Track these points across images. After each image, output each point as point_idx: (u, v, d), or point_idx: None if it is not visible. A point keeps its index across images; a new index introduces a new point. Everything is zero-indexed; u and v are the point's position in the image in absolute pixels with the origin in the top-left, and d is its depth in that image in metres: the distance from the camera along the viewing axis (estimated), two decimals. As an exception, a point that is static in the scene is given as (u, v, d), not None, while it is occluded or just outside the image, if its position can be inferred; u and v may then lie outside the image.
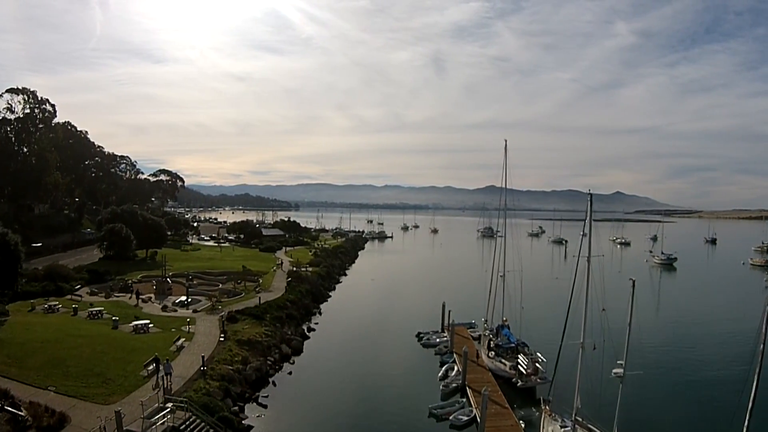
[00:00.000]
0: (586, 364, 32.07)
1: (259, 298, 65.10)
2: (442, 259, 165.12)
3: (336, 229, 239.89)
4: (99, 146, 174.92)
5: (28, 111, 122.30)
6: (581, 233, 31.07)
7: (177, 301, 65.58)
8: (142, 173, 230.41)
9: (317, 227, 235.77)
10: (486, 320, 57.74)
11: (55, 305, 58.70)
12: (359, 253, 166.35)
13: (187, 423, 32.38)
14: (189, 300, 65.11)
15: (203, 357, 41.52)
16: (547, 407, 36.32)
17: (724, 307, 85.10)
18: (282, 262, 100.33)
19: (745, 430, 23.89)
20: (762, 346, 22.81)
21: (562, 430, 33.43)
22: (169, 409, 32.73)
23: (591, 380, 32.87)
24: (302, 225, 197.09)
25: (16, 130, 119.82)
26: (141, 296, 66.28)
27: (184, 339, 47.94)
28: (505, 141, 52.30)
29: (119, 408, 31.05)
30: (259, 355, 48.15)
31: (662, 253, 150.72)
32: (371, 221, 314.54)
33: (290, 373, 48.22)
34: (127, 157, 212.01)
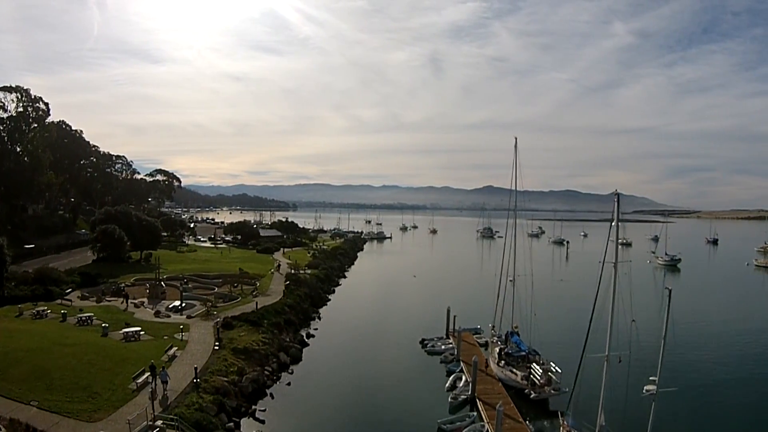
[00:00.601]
0: (611, 378, 29.60)
1: (256, 303, 62.39)
2: (443, 260, 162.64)
3: (334, 229, 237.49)
4: (94, 146, 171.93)
5: (21, 110, 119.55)
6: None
7: (171, 306, 62.97)
8: (139, 173, 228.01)
9: (315, 228, 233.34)
10: (493, 326, 55.29)
11: (43, 310, 56.14)
12: (358, 254, 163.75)
13: (178, 443, 29.93)
14: (183, 305, 62.49)
15: (196, 368, 38.91)
16: (565, 422, 33.88)
17: (744, 313, 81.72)
18: (279, 265, 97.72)
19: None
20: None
21: None
22: (158, 429, 30.22)
23: (616, 396, 30.39)
24: (300, 226, 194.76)
25: (8, 129, 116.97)
26: (133, 301, 63.77)
27: (176, 348, 45.35)
28: (515, 139, 49.96)
29: (104, 428, 28.60)
30: (255, 364, 45.59)
31: (666, 254, 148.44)
32: (369, 221, 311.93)
33: (289, 384, 45.53)
34: (123, 156, 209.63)
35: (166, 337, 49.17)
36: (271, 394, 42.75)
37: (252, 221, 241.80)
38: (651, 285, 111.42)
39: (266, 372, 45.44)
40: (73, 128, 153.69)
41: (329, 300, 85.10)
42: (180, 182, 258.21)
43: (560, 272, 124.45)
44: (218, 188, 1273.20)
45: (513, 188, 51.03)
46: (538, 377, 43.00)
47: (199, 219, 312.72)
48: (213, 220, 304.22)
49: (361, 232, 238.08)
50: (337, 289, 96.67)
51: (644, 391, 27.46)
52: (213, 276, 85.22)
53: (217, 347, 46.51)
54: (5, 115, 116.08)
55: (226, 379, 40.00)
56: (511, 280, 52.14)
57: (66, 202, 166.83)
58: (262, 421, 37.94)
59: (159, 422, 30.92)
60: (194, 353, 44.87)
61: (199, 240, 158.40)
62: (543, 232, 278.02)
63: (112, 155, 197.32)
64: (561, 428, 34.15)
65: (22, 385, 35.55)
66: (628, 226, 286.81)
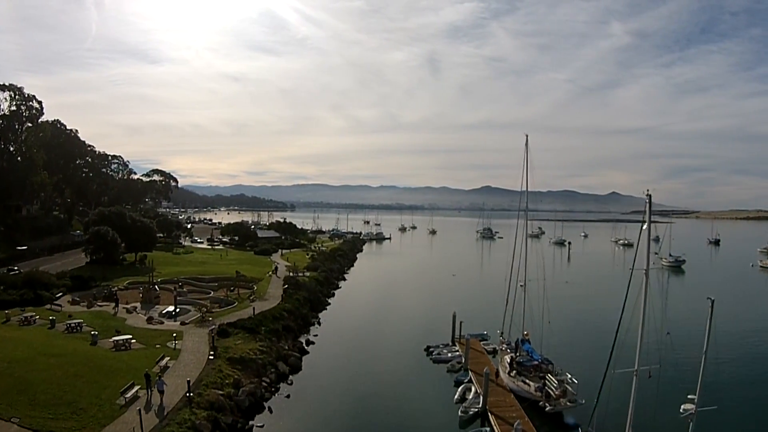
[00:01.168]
0: (641, 394, 27.15)
1: (254, 308, 59.82)
2: (444, 261, 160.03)
3: (333, 230, 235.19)
4: (90, 145, 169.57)
5: (14, 108, 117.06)
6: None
7: (164, 311, 60.38)
8: (135, 173, 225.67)
9: (314, 228, 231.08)
10: (502, 332, 52.76)
11: (31, 316, 53.55)
12: (357, 255, 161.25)
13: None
14: (177, 310, 59.95)
15: (189, 381, 36.33)
16: (589, 440, 31.44)
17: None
18: (277, 268, 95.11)
19: None
20: None
21: None
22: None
23: (647, 414, 27.96)
24: (298, 226, 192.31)
25: (1, 128, 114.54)
26: (125, 306, 61.27)
27: (169, 358, 42.81)
28: (526, 136, 47.39)
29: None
30: (252, 375, 43.07)
31: (670, 255, 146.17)
32: (368, 222, 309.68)
33: (288, 396, 42.83)
34: (120, 156, 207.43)
35: (158, 346, 46.63)
36: (270, 408, 40.11)
37: (250, 222, 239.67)
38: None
39: (264, 383, 42.87)
40: (68, 128, 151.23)
41: (329, 304, 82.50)
42: (177, 182, 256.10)
43: (564, 274, 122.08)
44: (216, 188, 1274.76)
45: (523, 189, 48.48)
46: (554, 388, 40.51)
47: (197, 219, 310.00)
48: (210, 220, 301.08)
49: (360, 233, 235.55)
50: (336, 292, 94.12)
51: (681, 411, 24.99)
52: (209, 279, 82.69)
53: (211, 357, 44.00)
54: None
55: (221, 392, 37.48)
56: (521, 285, 49.57)
57: (61, 202, 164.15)
58: (261, 439, 35.48)
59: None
60: (187, 364, 42.36)
61: (195, 241, 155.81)
62: (543, 233, 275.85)
63: (108, 155, 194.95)
64: None
65: (2, 399, 33.10)
66: (629, 226, 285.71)
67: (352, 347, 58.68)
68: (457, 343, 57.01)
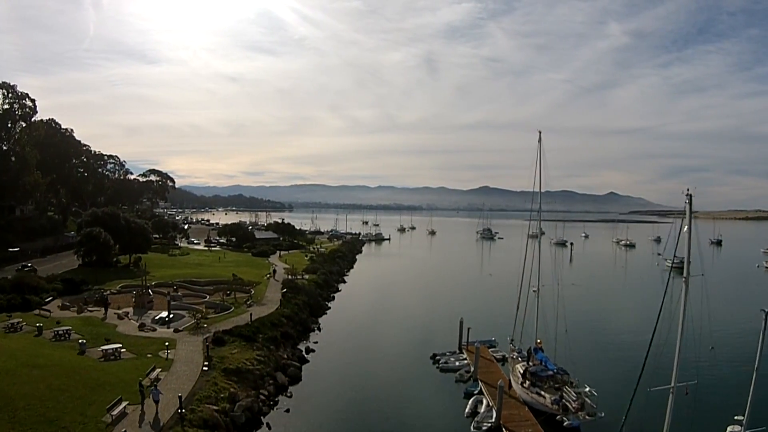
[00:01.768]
0: (677, 413, 24.62)
1: (251, 314, 57.07)
2: (445, 262, 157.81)
3: (332, 231, 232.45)
4: (85, 145, 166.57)
5: (6, 107, 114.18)
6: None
7: (157, 317, 57.69)
8: (131, 173, 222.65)
9: (312, 229, 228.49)
10: (512, 339, 50.20)
11: (18, 323, 50.90)
12: (357, 256, 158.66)
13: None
14: (170, 316, 57.26)
15: (180, 397, 33.68)
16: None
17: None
18: (275, 270, 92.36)
19: None
20: None
21: None
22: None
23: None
24: (297, 227, 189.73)
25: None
26: (116, 311, 58.65)
27: (160, 369, 40.11)
28: (539, 132, 45.00)
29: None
30: (249, 387, 40.38)
31: (675, 256, 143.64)
32: (366, 222, 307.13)
33: (288, 410, 40.03)
34: (116, 156, 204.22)
35: (149, 356, 43.97)
36: (268, 424, 37.41)
37: (247, 222, 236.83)
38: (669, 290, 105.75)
39: (262, 396, 40.20)
40: (62, 127, 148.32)
41: (329, 308, 79.87)
42: (174, 182, 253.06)
43: (568, 276, 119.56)
44: (214, 189, 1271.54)
45: (537, 190, 46.02)
46: (572, 401, 37.94)
47: (194, 220, 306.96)
48: (208, 221, 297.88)
49: (359, 234, 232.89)
50: (336, 295, 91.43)
51: None
52: (204, 282, 79.88)
53: (206, 368, 41.30)
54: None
55: (215, 407, 34.86)
56: (534, 291, 47.02)
57: (56, 202, 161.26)
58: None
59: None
60: (180, 375, 39.66)
61: (192, 242, 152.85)
62: (543, 233, 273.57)
63: (103, 155, 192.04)
64: None
65: (-21, 417, 30.55)
66: (630, 226, 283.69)
67: (354, 355, 56.11)
68: (464, 351, 54.46)
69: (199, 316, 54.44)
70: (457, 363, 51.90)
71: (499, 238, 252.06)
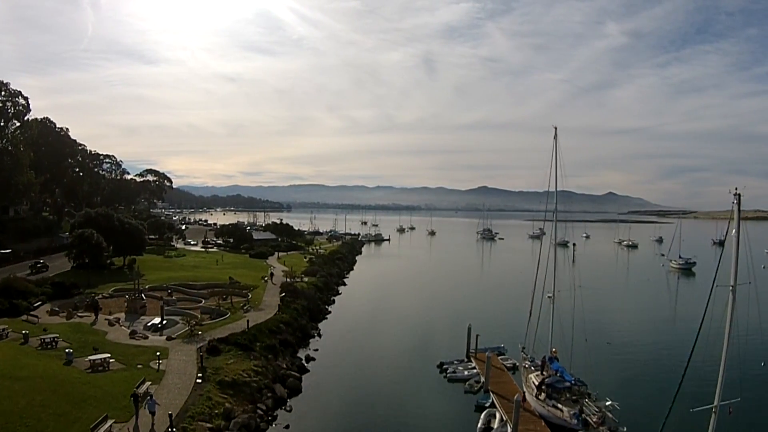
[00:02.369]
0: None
1: (248, 321, 54.30)
2: (447, 264, 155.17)
3: (330, 231, 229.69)
4: (81, 144, 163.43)
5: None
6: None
7: (149, 323, 54.90)
8: (128, 173, 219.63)
9: (311, 230, 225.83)
10: (524, 347, 47.60)
11: (4, 330, 48.27)
12: (357, 258, 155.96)
13: None
14: (164, 322, 54.54)
15: (170, 415, 31.05)
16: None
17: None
18: (273, 273, 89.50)
19: None
20: None
21: None
22: None
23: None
24: (295, 227, 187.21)
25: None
26: (107, 317, 55.95)
27: (150, 382, 37.37)
28: (555, 128, 42.47)
29: None
30: (246, 401, 37.71)
31: (680, 257, 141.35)
32: (365, 223, 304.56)
33: (287, 427, 37.27)
34: (112, 156, 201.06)
35: (140, 366, 41.24)
36: (266, 443, 34.93)
37: (246, 222, 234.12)
38: (670, 291, 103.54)
39: (259, 411, 37.44)
40: (57, 126, 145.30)
41: (329, 312, 77.08)
42: (171, 182, 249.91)
43: (572, 278, 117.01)
44: (212, 189, 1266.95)
45: (552, 190, 43.48)
46: (593, 414, 35.36)
47: (191, 220, 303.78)
48: (205, 221, 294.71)
49: (358, 234, 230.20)
50: (337, 299, 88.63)
51: None
52: (200, 286, 77.02)
53: (199, 380, 38.66)
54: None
55: (209, 425, 32.25)
56: (549, 297, 44.45)
57: (52, 202, 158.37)
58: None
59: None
60: (171, 389, 36.96)
61: (189, 243, 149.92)
62: (544, 233, 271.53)
63: (100, 154, 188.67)
64: None
65: (-47, 436, 28.00)
66: (632, 226, 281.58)
67: (356, 363, 53.41)
68: (473, 359, 51.83)
69: (194, 322, 51.78)
70: (465, 372, 49.24)
71: (499, 238, 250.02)
